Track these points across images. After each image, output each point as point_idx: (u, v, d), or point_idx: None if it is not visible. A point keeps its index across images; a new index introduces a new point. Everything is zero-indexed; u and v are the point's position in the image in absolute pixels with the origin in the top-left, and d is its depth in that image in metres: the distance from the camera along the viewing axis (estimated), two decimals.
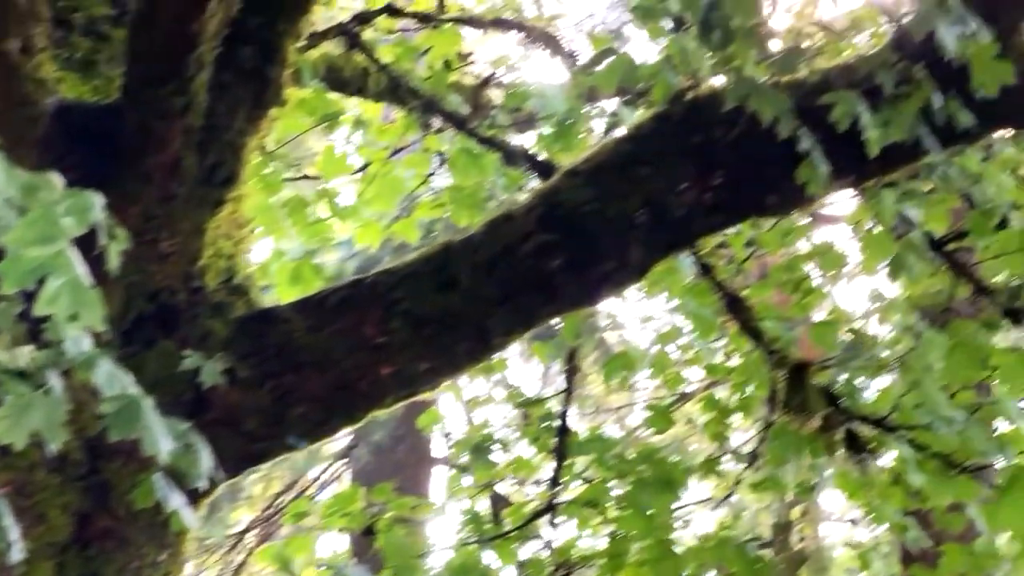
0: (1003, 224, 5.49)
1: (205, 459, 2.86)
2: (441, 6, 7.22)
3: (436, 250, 4.32)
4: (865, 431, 5.10)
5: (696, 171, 4.15)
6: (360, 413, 4.32)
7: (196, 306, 4.15)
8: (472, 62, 7.20)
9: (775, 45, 8.32)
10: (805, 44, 7.77)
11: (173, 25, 3.77)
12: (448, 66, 6.78)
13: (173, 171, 3.98)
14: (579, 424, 13.68)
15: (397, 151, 6.69)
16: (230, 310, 4.23)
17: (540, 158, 5.55)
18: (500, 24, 7.36)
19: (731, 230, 6.89)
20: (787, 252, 7.15)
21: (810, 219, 10.15)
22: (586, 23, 13.98)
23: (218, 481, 3.67)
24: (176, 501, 2.90)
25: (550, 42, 7.48)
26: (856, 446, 5.14)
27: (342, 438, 16.02)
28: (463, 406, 12.45)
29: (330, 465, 16.52)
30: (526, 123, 6.57)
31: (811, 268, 6.96)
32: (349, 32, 6.07)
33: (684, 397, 11.65)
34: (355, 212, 6.28)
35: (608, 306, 12.80)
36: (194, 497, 3.68)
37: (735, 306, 5.41)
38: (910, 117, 3.92)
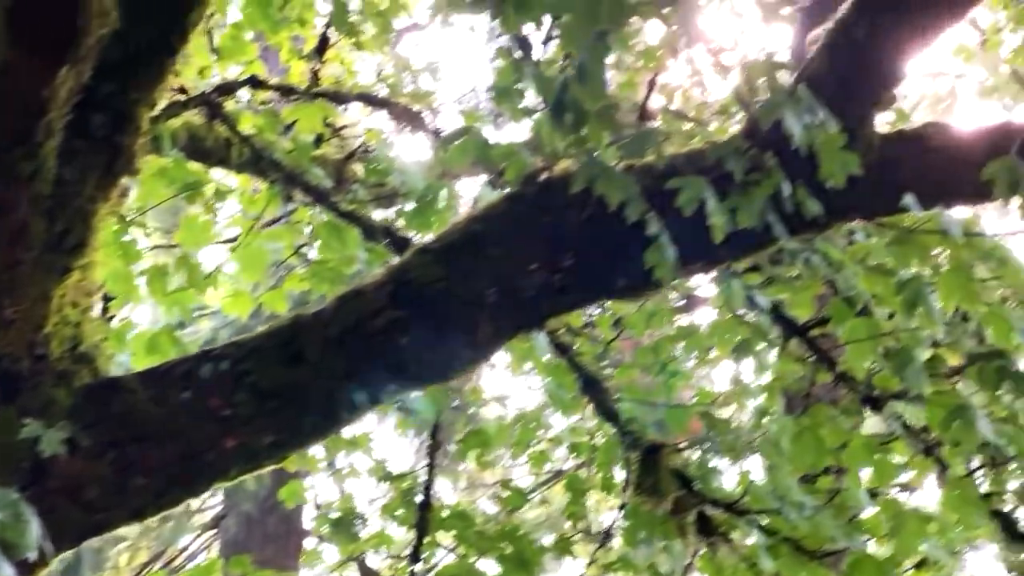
0: (865, 312, 5.56)
1: (34, 530, 2.81)
2: (315, 79, 7.24)
3: (285, 323, 4.31)
4: (716, 514, 5.13)
5: (546, 252, 4.16)
6: (203, 485, 4.28)
7: (39, 374, 4.08)
8: (341, 135, 7.20)
9: (652, 125, 8.38)
10: (674, 127, 7.85)
11: (22, 91, 3.72)
12: (320, 140, 6.78)
13: (20, 237, 3.93)
14: (453, 499, 13.67)
15: (273, 221, 6.66)
16: (74, 378, 4.16)
17: (400, 234, 5.56)
18: (366, 100, 7.38)
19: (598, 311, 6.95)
20: (653, 334, 7.21)
21: (685, 301, 10.28)
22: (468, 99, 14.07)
23: (49, 553, 3.61)
24: (7, 571, 2.85)
25: (415, 119, 7.51)
26: (708, 529, 5.17)
27: (212, 508, 15.89)
28: (332, 478, 12.41)
29: (199, 535, 16.35)
30: (389, 198, 6.59)
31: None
32: (211, 102, 6.06)
33: (559, 475, 11.67)
34: (214, 282, 6.22)
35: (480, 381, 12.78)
36: (27, 568, 3.61)
37: (591, 386, 5.43)
38: (759, 204, 3.95)
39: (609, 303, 7.28)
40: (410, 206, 5.78)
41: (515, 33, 4.24)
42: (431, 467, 6.62)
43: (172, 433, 4.11)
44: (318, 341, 4.17)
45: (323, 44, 7.63)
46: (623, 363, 7.42)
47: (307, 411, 4.20)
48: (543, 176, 4.23)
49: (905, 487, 7.02)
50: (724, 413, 6.91)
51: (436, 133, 7.57)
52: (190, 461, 4.14)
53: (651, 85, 8.39)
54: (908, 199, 4.23)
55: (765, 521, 5.01)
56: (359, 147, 6.87)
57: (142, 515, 4.24)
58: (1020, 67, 16.33)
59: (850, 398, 6.13)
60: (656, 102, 8.68)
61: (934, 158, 4.43)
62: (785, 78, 4.03)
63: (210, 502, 15.54)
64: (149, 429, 4.10)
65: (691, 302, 10.58)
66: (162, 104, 4.41)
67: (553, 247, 4.16)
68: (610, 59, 3.62)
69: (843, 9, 4.37)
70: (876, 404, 5.64)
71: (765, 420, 6.11)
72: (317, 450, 8.00)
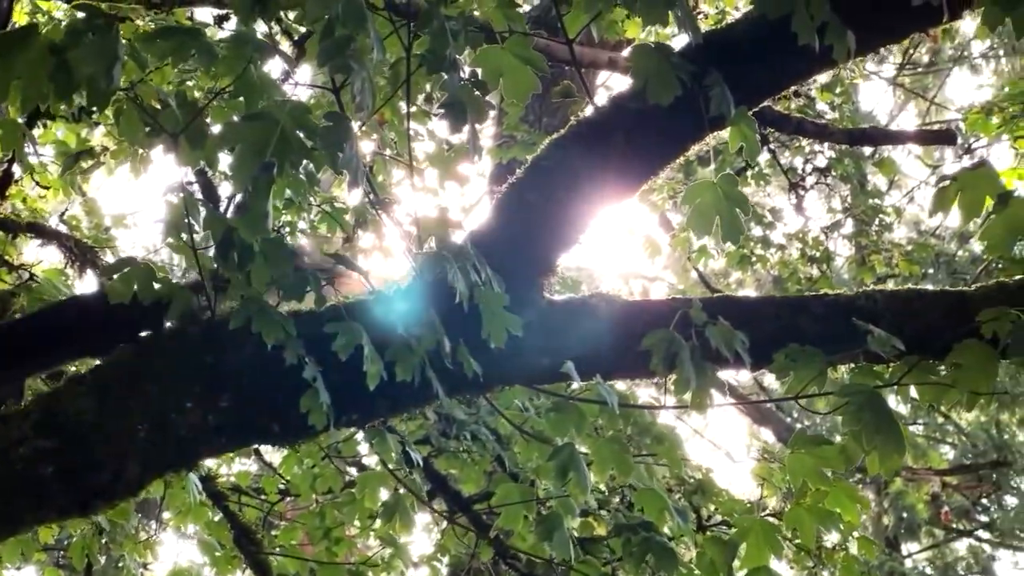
0: (533, 484, 5.61)
1: None
2: None
3: None
4: None
5: (203, 391, 4.07)
6: None
7: None
8: (12, 267, 7.03)
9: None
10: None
11: None
12: None
13: None
14: None
15: None
16: None
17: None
18: (36, 231, 7.21)
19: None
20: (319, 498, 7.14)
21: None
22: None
23: None
24: None
25: (87, 255, 7.36)
26: None
27: None
28: None
29: None
30: None
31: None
32: None
33: None
34: None
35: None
36: None
37: (244, 539, 5.35)
38: (418, 359, 3.94)
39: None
40: None
41: (193, 168, 4.20)
42: None
43: None
44: None
45: (6, 179, 7.46)
46: (286, 525, 7.33)
47: None
48: (207, 315, 4.18)
49: None
50: None
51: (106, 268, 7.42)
52: None
53: (345, 240, 8.43)
54: (568, 366, 4.27)
55: None
56: (26, 279, 6.68)
57: None
58: (704, 268, 16.93)
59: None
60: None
61: (599, 327, 4.47)
62: (456, 235, 4.06)
63: None
64: None
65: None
66: None
67: (211, 386, 4.08)
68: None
69: (519, 172, 4.44)
70: None
71: None
72: None
